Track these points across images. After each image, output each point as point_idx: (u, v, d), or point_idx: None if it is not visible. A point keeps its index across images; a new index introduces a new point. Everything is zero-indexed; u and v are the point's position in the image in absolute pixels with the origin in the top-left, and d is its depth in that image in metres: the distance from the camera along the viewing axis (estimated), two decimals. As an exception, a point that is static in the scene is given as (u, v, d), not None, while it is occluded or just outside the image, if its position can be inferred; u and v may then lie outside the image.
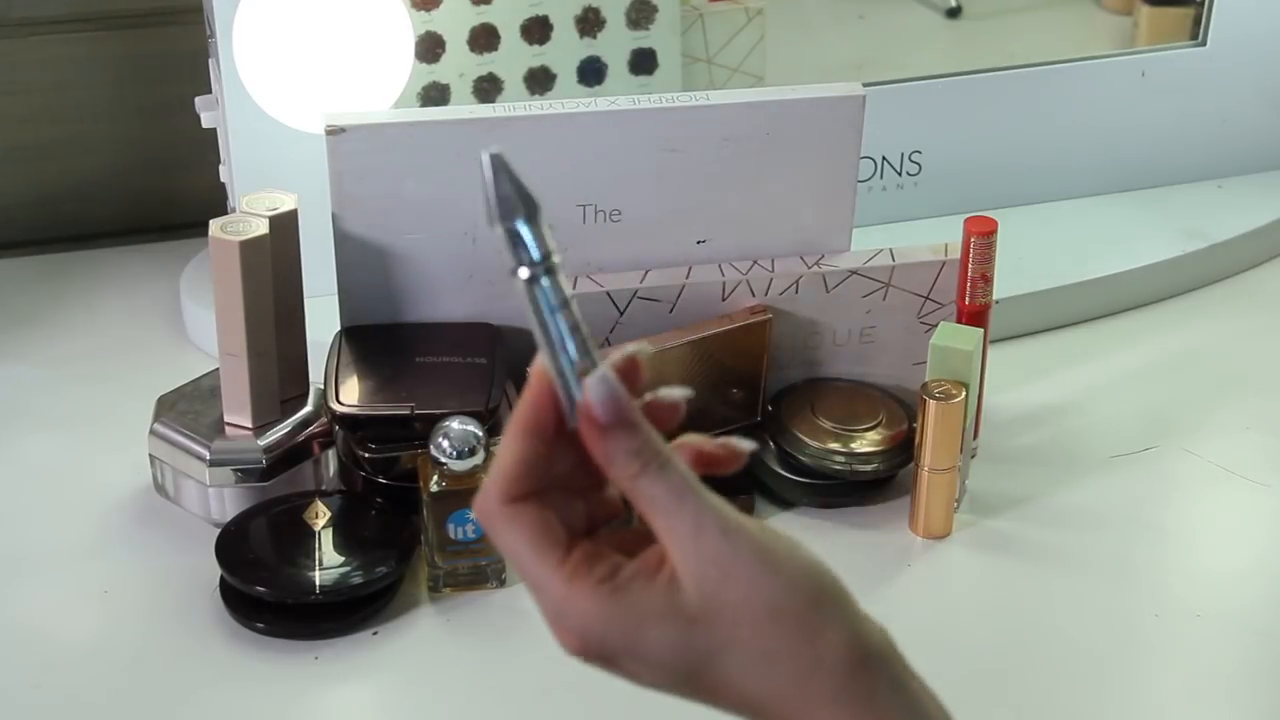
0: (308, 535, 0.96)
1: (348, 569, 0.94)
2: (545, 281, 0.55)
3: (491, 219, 0.53)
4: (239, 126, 1.13)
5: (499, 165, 0.53)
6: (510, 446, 0.59)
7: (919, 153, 1.28)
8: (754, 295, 1.03)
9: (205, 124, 1.18)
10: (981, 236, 1.02)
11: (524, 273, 0.54)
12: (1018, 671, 0.92)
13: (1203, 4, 1.32)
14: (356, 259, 1.02)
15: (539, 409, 0.59)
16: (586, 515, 0.61)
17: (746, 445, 0.61)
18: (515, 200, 0.53)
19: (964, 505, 1.04)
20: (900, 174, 1.28)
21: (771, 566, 0.57)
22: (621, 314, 1.02)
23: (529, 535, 0.58)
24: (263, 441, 0.99)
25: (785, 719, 0.58)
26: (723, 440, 0.61)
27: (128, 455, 1.04)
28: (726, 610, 0.57)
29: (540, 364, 0.58)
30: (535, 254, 0.54)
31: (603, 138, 1.01)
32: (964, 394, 0.97)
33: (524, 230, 0.54)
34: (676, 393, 0.60)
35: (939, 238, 1.06)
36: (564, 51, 1.21)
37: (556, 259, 0.55)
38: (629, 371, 0.59)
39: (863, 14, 1.43)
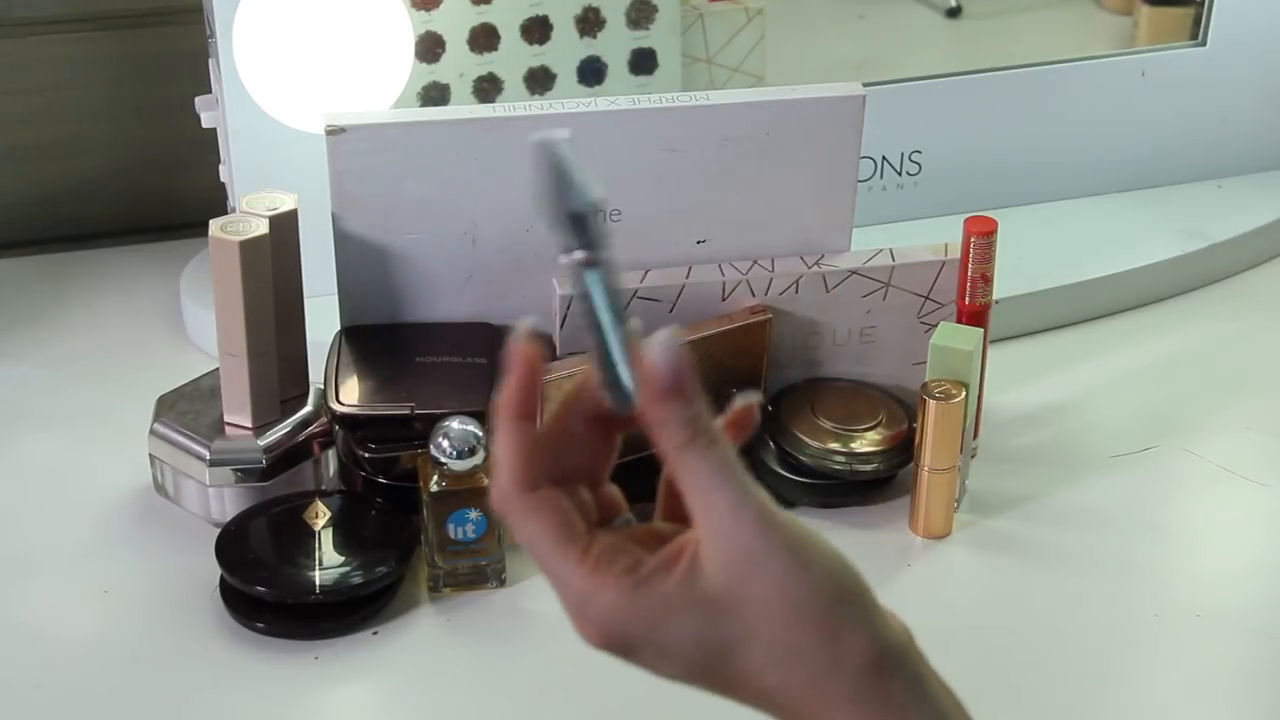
0: (308, 535, 0.96)
1: (348, 569, 0.94)
2: (602, 268, 0.55)
3: (556, 204, 0.54)
4: (239, 126, 1.13)
5: (565, 153, 0.53)
6: (510, 435, 0.59)
7: (919, 153, 1.28)
8: (754, 295, 1.03)
9: (205, 124, 1.18)
10: (981, 236, 1.02)
11: (581, 257, 0.55)
12: (1018, 671, 0.92)
13: (1203, 4, 1.32)
14: (356, 259, 1.02)
15: (528, 394, 0.59)
16: (597, 509, 0.61)
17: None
18: (583, 188, 0.54)
19: (964, 505, 1.04)
20: (900, 174, 1.28)
21: (802, 562, 0.57)
22: (621, 314, 1.02)
23: (551, 527, 0.58)
24: (263, 441, 0.99)
25: (802, 714, 0.58)
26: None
27: (128, 455, 1.04)
28: (752, 600, 0.56)
29: (522, 347, 0.58)
30: (594, 241, 0.55)
31: (603, 138, 1.01)
32: (964, 394, 0.97)
33: (589, 217, 0.54)
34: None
35: (939, 238, 1.06)
36: (564, 51, 1.21)
37: (603, 236, 0.55)
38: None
39: (863, 14, 1.43)
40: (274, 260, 0.97)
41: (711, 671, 0.58)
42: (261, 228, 0.95)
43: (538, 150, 0.53)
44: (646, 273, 1.03)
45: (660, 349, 0.57)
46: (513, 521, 0.59)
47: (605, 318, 0.56)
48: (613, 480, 0.63)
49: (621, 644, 0.58)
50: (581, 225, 0.54)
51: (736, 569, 0.56)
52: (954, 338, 0.99)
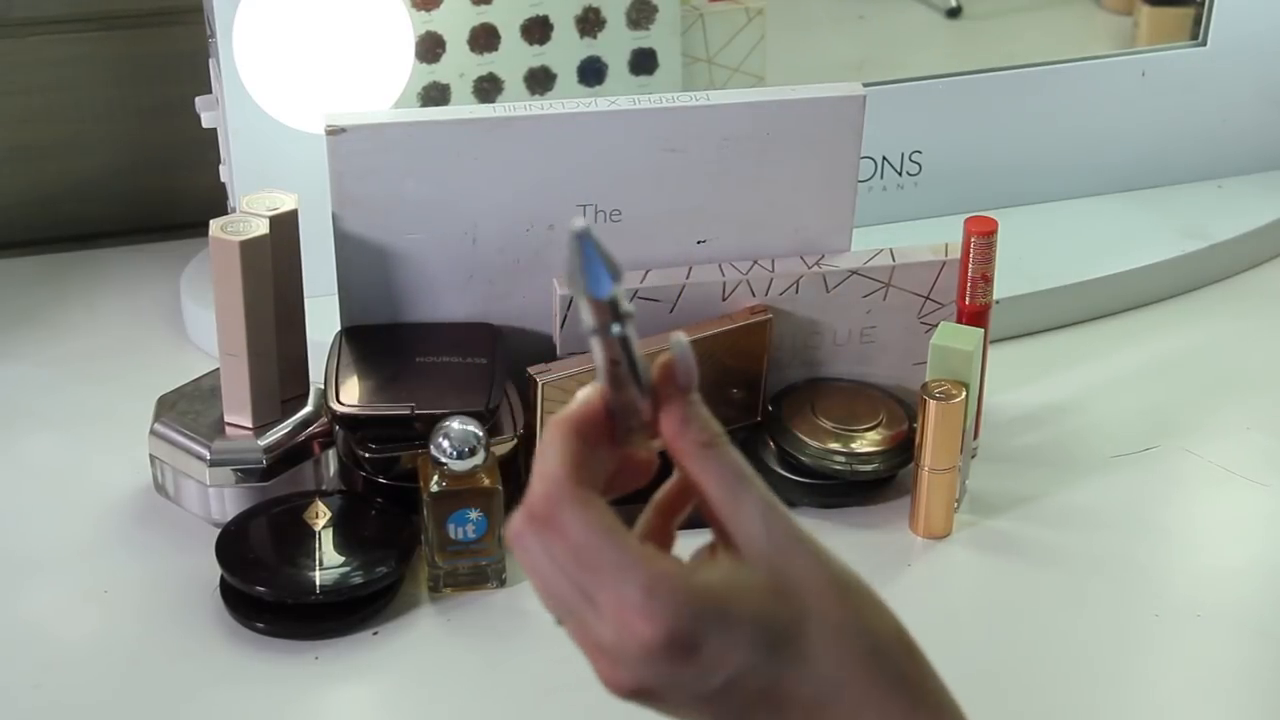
0: (308, 535, 0.96)
1: (348, 569, 0.94)
2: (630, 334, 0.58)
3: (588, 288, 0.57)
4: (239, 126, 1.13)
5: (590, 238, 0.57)
6: (565, 442, 0.58)
7: (919, 153, 1.28)
8: (754, 295, 1.03)
9: (205, 124, 1.18)
10: (981, 236, 1.02)
11: (616, 329, 0.58)
12: (1018, 671, 0.92)
13: (1203, 4, 1.32)
14: (356, 259, 1.02)
15: (591, 414, 0.59)
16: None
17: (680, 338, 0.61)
18: (610, 269, 0.57)
19: (964, 505, 1.04)
20: (900, 174, 1.28)
21: (821, 549, 0.60)
22: (621, 314, 1.02)
23: (606, 519, 0.57)
24: (263, 441, 0.99)
25: (850, 709, 0.59)
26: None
27: (128, 455, 1.04)
28: (800, 583, 0.58)
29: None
30: (624, 313, 0.58)
31: (603, 138, 1.01)
32: (964, 394, 0.97)
33: (618, 296, 0.57)
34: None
35: (939, 238, 1.06)
36: (564, 51, 1.21)
37: (630, 309, 0.58)
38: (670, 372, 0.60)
39: (863, 14, 1.43)
40: (274, 260, 0.97)
41: (772, 662, 0.57)
42: (261, 228, 0.95)
43: (569, 238, 0.57)
44: (647, 273, 1.03)
45: (679, 350, 0.59)
46: (563, 516, 0.57)
47: (633, 367, 0.59)
48: None
49: (690, 633, 0.56)
50: (616, 303, 0.57)
51: (780, 557, 0.58)
52: (954, 338, 0.99)
